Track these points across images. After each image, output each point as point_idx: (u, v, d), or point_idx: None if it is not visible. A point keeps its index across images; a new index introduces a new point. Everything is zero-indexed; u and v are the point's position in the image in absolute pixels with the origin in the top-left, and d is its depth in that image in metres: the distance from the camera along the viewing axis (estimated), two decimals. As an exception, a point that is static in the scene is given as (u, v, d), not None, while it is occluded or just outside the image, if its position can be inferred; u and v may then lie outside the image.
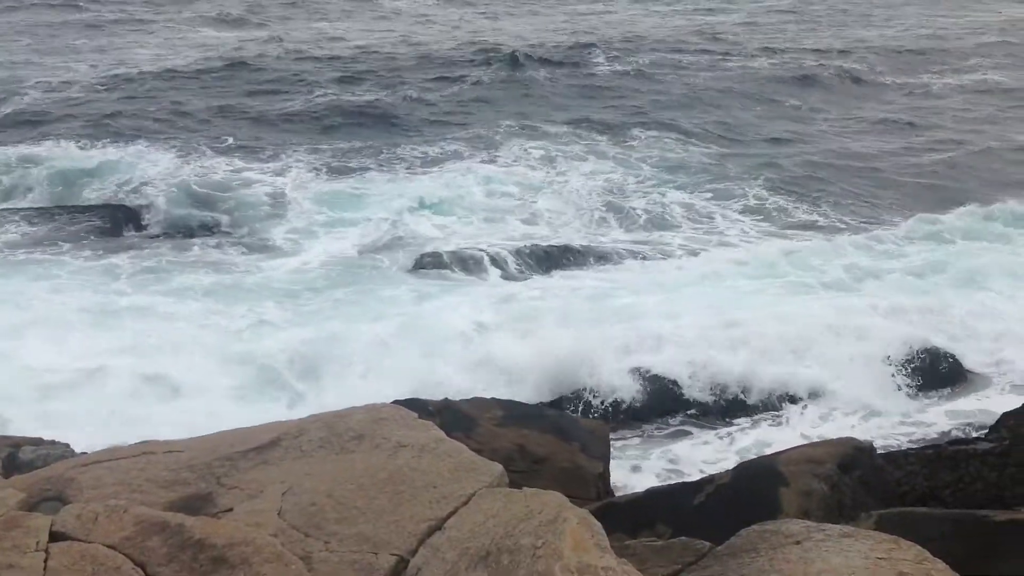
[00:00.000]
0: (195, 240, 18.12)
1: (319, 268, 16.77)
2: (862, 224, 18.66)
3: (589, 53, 32.74)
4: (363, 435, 5.67)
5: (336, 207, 19.58)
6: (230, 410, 10.87)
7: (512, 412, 9.48)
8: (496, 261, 16.67)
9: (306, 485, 5.17)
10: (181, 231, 18.64)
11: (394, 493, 5.06)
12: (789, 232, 18.25)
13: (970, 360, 12.79)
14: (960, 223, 18.05)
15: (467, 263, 16.66)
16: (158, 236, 18.32)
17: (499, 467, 5.50)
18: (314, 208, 19.48)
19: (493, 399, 10.48)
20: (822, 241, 17.45)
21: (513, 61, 30.20)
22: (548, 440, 9.14)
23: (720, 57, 32.97)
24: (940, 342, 12.99)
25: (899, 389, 12.15)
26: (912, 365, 12.50)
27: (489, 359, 12.52)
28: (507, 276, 16.20)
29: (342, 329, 13.48)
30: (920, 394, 12.13)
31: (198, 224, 18.86)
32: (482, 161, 22.47)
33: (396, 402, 8.01)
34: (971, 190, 20.22)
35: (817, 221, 19.00)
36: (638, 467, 10.71)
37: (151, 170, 20.96)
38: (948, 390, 12.27)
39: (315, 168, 21.84)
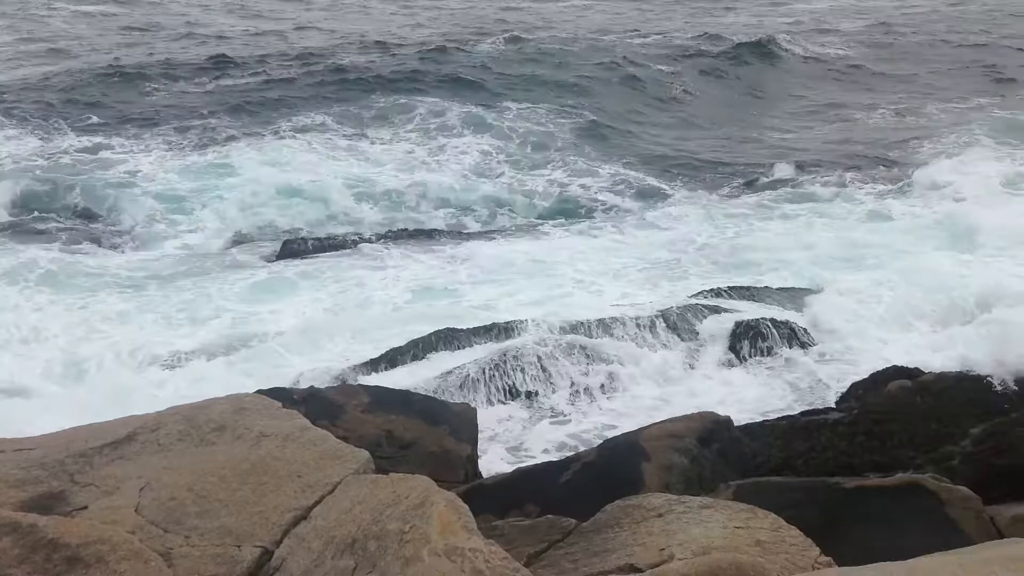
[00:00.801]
0: (38, 225, 17.56)
1: (172, 255, 16.50)
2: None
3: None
4: (224, 426, 5.56)
5: (198, 186, 19.27)
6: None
7: (379, 398, 9.42)
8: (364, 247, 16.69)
9: (165, 479, 5.05)
10: (25, 213, 18.01)
11: (257, 484, 5.00)
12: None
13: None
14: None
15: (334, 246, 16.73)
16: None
17: (365, 453, 5.48)
18: (170, 189, 19.12)
19: (360, 385, 10.40)
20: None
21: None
22: (416, 424, 9.13)
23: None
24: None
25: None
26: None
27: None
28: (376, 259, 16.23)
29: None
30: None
31: (44, 207, 18.22)
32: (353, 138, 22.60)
33: (259, 391, 7.89)
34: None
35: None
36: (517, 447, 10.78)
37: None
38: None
39: (179, 147, 21.53)
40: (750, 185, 20.16)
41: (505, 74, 28.08)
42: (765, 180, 20.35)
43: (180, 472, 5.10)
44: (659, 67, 29.14)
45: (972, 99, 26.71)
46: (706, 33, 33.97)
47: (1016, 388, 10.30)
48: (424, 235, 17.78)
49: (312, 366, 12.10)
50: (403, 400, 9.60)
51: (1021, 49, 31.59)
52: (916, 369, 10.91)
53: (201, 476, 5.06)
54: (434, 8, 40.44)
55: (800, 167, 20.87)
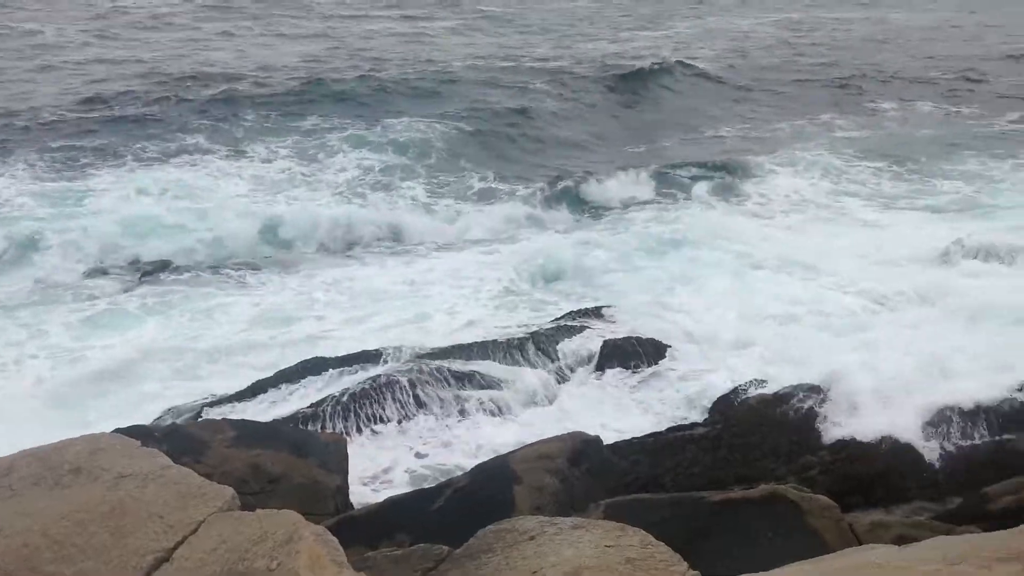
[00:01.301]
0: None
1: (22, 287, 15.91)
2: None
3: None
4: (80, 468, 5.34)
5: (56, 213, 18.67)
6: None
7: (245, 432, 9.21)
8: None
9: (18, 525, 4.82)
10: None
11: (116, 527, 4.81)
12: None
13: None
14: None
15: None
16: None
17: (230, 490, 5.34)
18: (28, 215, 18.53)
19: (225, 420, 10.15)
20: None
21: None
22: (283, 458, 8.96)
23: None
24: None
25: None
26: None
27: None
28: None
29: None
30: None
31: None
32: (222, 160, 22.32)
33: (117, 430, 7.62)
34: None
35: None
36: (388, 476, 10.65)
37: None
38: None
39: (38, 172, 20.99)
40: (600, 205, 20.72)
41: (389, 96, 28.15)
42: (613, 197, 21.00)
43: (34, 517, 4.88)
44: (541, 87, 29.78)
45: (819, 116, 27.97)
46: (578, 59, 34.66)
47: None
48: (292, 260, 17.52)
49: (169, 404, 11.77)
50: (270, 433, 9.41)
51: (864, 74, 33.10)
52: (773, 381, 11.25)
53: (56, 521, 4.84)
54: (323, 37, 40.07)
55: (655, 181, 21.67)
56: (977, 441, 9.54)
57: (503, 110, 26.92)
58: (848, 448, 9.68)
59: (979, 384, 10.68)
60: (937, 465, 9.34)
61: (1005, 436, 9.57)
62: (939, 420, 9.89)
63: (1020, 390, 10.23)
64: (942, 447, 9.50)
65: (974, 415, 9.90)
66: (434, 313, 14.96)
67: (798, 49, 37.69)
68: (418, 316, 14.85)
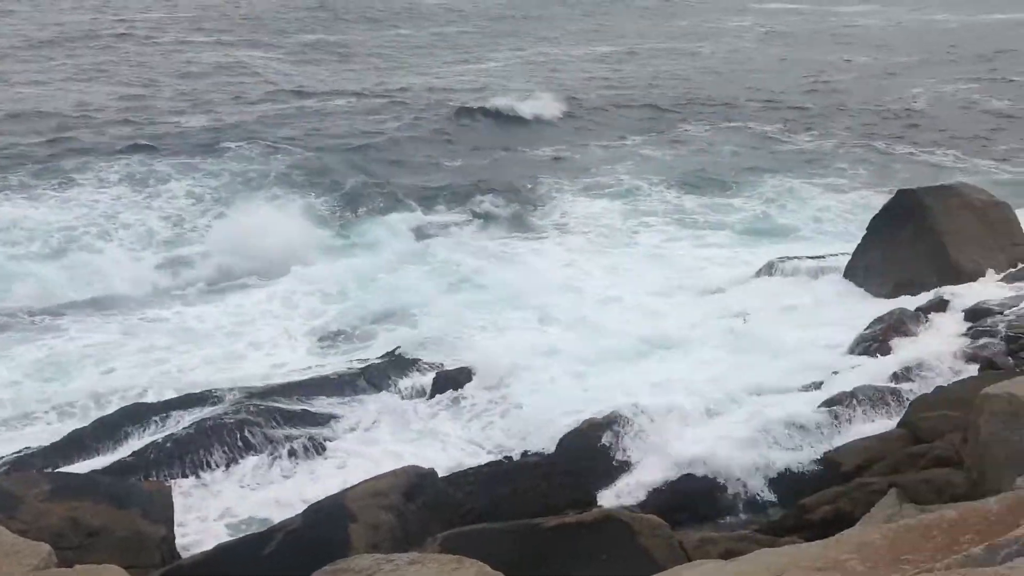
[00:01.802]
0: None
1: None
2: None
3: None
4: None
5: None
6: None
7: (61, 484, 8.78)
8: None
9: None
10: None
11: (-82, 595, 4.50)
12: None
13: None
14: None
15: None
16: None
17: (46, 547, 5.08)
18: None
19: (38, 473, 9.67)
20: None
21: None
22: (103, 509, 8.58)
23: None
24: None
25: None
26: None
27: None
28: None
29: None
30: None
31: None
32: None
33: (-81, 491, 7.14)
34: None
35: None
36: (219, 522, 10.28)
37: None
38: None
39: None
40: (413, 233, 20.94)
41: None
42: (418, 225, 21.34)
43: None
44: (363, 119, 29.84)
45: (627, 142, 29.02)
46: (401, 92, 34.82)
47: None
48: (103, 299, 16.82)
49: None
50: (88, 484, 9.00)
51: (678, 103, 34.40)
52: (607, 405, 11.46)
53: None
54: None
55: (455, 213, 22.05)
56: (795, 454, 9.94)
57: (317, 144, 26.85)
58: (675, 467, 9.95)
59: (793, 399, 11.20)
60: (759, 479, 9.69)
61: (819, 448, 10.00)
62: (758, 435, 10.27)
63: (831, 404, 10.75)
64: (762, 461, 9.86)
65: (790, 429, 10.33)
66: (256, 351, 14.69)
67: (614, 80, 38.83)
68: (238, 355, 14.55)
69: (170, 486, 9.62)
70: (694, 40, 52.06)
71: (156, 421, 11.76)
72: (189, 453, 11.10)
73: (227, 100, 32.86)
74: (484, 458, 11.03)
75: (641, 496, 9.72)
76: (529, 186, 24.18)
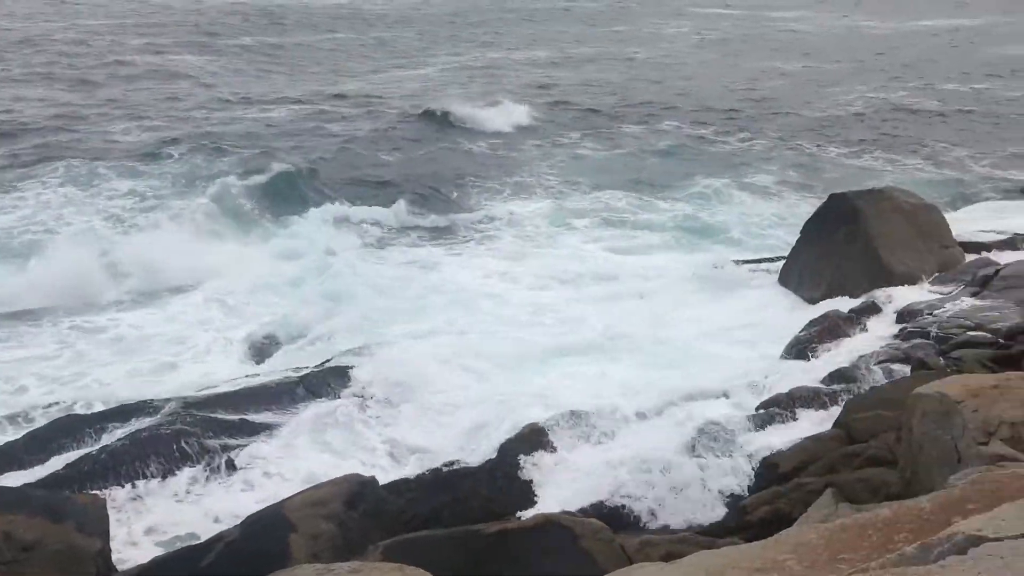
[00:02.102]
0: None
1: None
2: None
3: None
4: None
5: None
6: None
7: (-7, 499, 8.58)
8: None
9: None
10: None
11: None
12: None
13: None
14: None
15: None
16: None
17: (-24, 564, 4.96)
18: None
19: (-33, 489, 9.43)
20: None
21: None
22: (37, 523, 8.40)
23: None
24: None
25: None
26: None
27: None
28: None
29: None
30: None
31: None
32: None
33: None
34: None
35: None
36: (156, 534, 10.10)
37: None
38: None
39: None
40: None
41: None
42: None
43: None
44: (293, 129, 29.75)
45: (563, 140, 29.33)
46: (334, 99, 34.63)
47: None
48: (35, 310, 16.49)
49: None
50: (20, 498, 8.79)
51: (615, 106, 34.67)
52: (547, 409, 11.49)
53: None
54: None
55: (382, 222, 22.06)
56: (732, 456, 10.05)
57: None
58: (615, 471, 10.00)
59: (729, 402, 11.33)
60: (697, 482, 9.77)
61: (757, 450, 10.12)
62: (696, 438, 10.37)
63: (767, 406, 10.89)
64: (700, 464, 9.95)
65: (727, 431, 10.44)
66: (190, 360, 14.50)
67: (551, 84, 39.03)
68: (172, 364, 14.35)
69: (105, 499, 9.43)
70: (632, 45, 52.56)
71: (90, 433, 11.54)
72: (124, 465, 10.90)
73: (164, 106, 32.46)
74: (424, 465, 10.97)
75: (581, 500, 9.75)
76: (459, 190, 24.29)
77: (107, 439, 11.37)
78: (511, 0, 74.89)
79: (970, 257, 15.10)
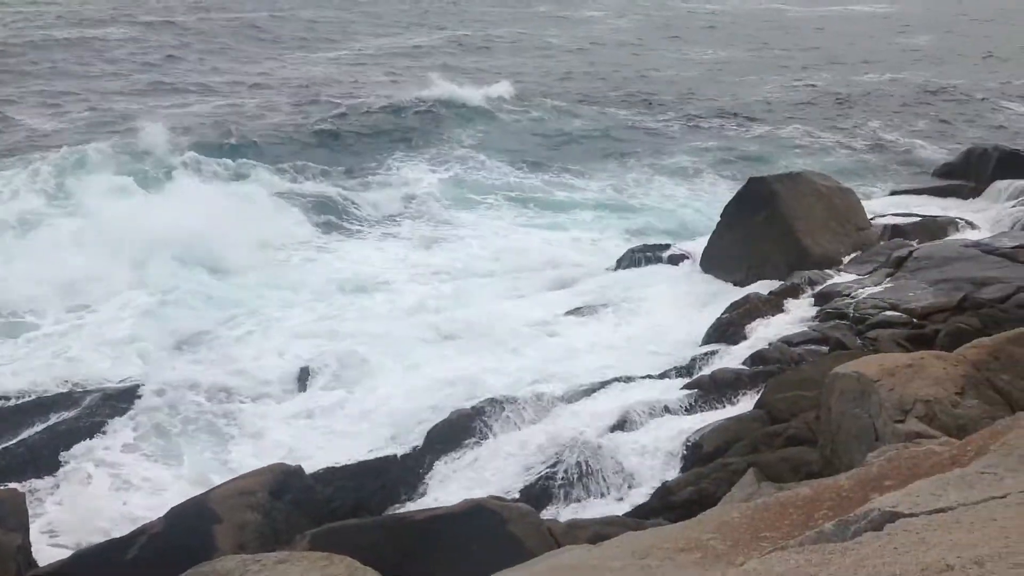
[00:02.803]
0: None
1: None
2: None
3: None
4: None
5: None
6: None
7: (-94, 496, 8.35)
8: None
9: None
10: None
11: None
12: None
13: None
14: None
15: None
16: None
17: None
18: None
19: None
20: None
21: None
22: (-49, 520, 8.21)
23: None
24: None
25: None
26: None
27: None
28: None
29: None
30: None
31: None
32: None
33: None
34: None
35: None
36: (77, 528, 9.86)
37: None
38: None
39: None
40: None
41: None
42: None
43: None
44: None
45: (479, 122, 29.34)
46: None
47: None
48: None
49: None
50: (-65, 494, 8.58)
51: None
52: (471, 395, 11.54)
53: None
54: None
55: None
56: (657, 437, 10.19)
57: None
58: (541, 453, 10.08)
59: (653, 384, 11.49)
60: (622, 463, 9.89)
61: (681, 430, 10.27)
62: (621, 420, 10.49)
63: (690, 388, 11.07)
64: (625, 446, 10.07)
65: (652, 413, 10.58)
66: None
67: (469, 66, 38.95)
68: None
69: (24, 493, 9.24)
70: (549, 27, 52.69)
71: (4, 425, 11.30)
72: (43, 457, 10.71)
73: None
74: (351, 453, 10.94)
75: (509, 484, 9.81)
76: (371, 174, 23.93)
77: (25, 431, 11.14)
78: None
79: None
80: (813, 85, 37.02)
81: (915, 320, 11.46)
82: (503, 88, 33.18)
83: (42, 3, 49.96)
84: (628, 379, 11.67)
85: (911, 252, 13.80)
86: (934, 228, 15.96)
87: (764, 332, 12.45)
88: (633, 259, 16.77)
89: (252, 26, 48.38)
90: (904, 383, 7.16)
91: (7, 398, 12.19)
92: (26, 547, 8.55)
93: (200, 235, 17.50)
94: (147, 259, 16.69)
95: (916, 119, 30.70)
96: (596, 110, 31.61)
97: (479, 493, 9.50)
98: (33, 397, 12.13)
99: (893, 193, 20.40)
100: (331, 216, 20.49)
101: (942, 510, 3.55)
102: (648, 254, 16.79)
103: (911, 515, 3.53)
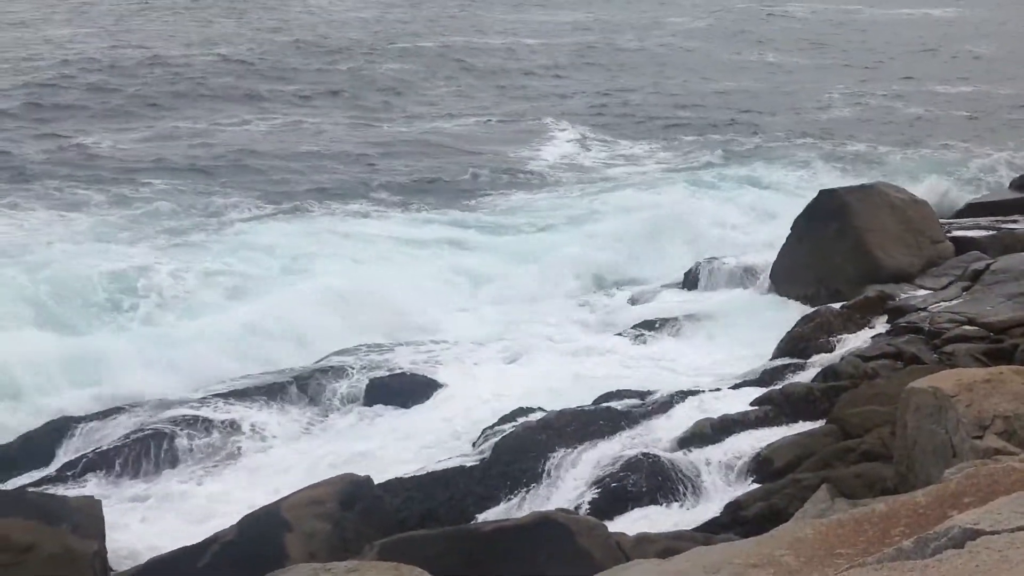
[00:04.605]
0: None
1: None
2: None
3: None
4: None
5: None
6: None
7: (-12, 501, 8.59)
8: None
9: None
10: None
11: None
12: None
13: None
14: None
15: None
16: None
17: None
18: None
19: (-37, 491, 9.44)
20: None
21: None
22: (32, 526, 8.42)
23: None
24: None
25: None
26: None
27: None
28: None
29: None
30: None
31: None
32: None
33: None
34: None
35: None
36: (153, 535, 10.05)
37: None
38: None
39: None
40: None
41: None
42: None
43: None
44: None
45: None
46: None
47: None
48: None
49: None
50: (16, 500, 8.84)
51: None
52: (539, 408, 11.53)
53: None
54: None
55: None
56: (727, 452, 10.08)
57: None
58: (609, 467, 10.03)
59: (723, 397, 11.38)
60: (693, 478, 9.81)
61: (752, 445, 10.16)
62: (690, 434, 10.41)
63: (761, 403, 10.94)
64: (696, 460, 9.98)
65: (722, 427, 10.47)
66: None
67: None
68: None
69: (100, 500, 9.44)
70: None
71: (84, 433, 11.54)
72: (118, 466, 10.94)
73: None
74: (420, 463, 10.99)
75: (577, 497, 9.78)
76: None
77: (101, 439, 11.38)
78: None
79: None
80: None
81: (992, 334, 11.20)
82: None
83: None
84: (697, 393, 11.57)
85: (988, 265, 13.50)
86: (1011, 241, 15.60)
87: (836, 346, 12.28)
88: (700, 272, 16.64)
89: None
90: (982, 398, 7.00)
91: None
92: (102, 554, 8.73)
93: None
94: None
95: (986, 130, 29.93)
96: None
97: (548, 505, 9.50)
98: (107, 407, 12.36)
99: (969, 205, 19.93)
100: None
101: (1025, 528, 3.46)
102: (716, 267, 16.65)
103: (993, 533, 3.45)
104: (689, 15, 59.77)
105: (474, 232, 20.17)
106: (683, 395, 11.49)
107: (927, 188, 19.99)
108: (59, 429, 11.66)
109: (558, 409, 11.32)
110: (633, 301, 16.50)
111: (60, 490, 10.29)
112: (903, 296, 13.37)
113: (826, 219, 15.22)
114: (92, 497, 9.64)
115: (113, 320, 15.29)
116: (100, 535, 8.78)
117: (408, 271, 17.55)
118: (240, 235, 19.04)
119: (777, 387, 11.31)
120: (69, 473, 10.74)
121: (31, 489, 10.17)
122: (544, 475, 10.19)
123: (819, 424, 10.21)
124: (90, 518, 8.80)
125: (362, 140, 27.53)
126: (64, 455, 11.26)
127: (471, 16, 56.61)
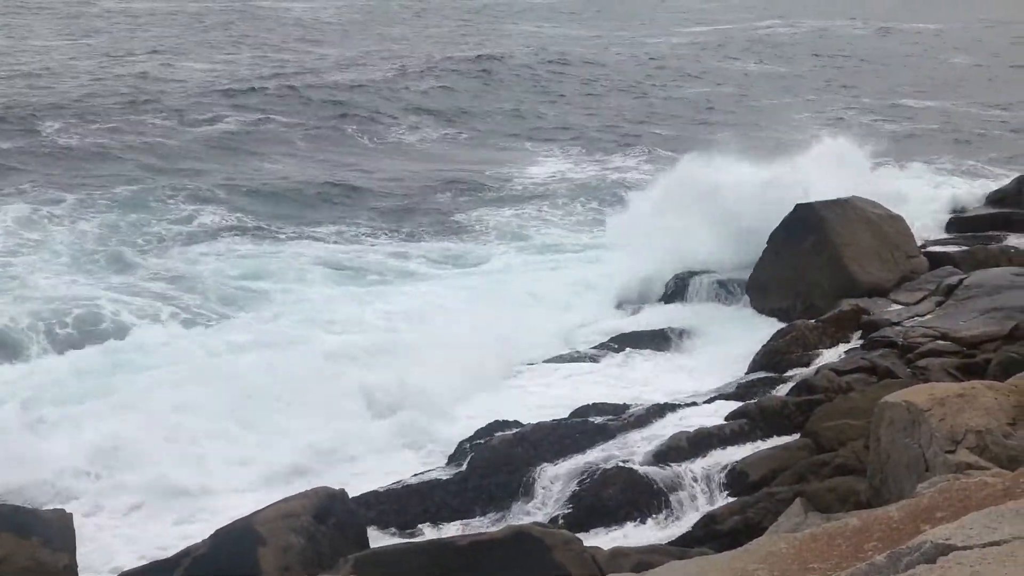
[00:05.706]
0: None
1: None
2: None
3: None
4: None
5: None
6: None
7: (-43, 514, 8.47)
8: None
9: None
10: None
11: None
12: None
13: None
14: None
15: None
16: None
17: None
18: None
19: (-67, 503, 9.32)
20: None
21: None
22: (4, 539, 8.32)
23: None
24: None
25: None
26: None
27: None
28: None
29: None
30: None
31: None
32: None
33: None
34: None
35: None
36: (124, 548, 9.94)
37: None
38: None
39: None
40: None
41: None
42: None
43: None
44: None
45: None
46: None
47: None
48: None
49: None
50: (-13, 513, 8.69)
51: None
52: (515, 421, 11.51)
53: None
54: None
55: None
56: (702, 466, 10.09)
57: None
58: (587, 480, 10.02)
59: (698, 411, 11.40)
60: (667, 491, 9.81)
61: (727, 459, 10.17)
62: (665, 448, 10.41)
63: (736, 416, 10.96)
64: (670, 474, 9.99)
65: (697, 441, 10.48)
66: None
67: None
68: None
69: (71, 514, 9.33)
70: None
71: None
72: (93, 479, 10.85)
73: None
74: (395, 477, 10.95)
75: (553, 511, 9.77)
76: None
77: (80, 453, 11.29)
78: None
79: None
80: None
81: (965, 349, 11.29)
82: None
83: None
84: (673, 406, 11.58)
85: (961, 280, 13.61)
86: (984, 256, 15.74)
87: (811, 360, 12.33)
88: (678, 287, 16.66)
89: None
90: (955, 413, 7.05)
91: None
92: (73, 567, 8.63)
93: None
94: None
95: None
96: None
97: (523, 519, 9.48)
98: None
99: (951, 218, 20.02)
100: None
101: (996, 543, 3.48)
102: (694, 281, 16.65)
103: (965, 548, 3.47)
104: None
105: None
106: (659, 409, 11.50)
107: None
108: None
109: (534, 423, 11.31)
110: (613, 313, 16.49)
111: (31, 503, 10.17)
112: (878, 311, 13.44)
113: (802, 233, 15.30)
114: (63, 510, 9.53)
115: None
116: (71, 549, 8.68)
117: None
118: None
119: (752, 401, 11.34)
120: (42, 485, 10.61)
121: (1, 502, 10.04)
122: (520, 489, 10.17)
123: (794, 438, 10.25)
124: (61, 531, 8.70)
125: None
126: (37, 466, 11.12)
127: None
